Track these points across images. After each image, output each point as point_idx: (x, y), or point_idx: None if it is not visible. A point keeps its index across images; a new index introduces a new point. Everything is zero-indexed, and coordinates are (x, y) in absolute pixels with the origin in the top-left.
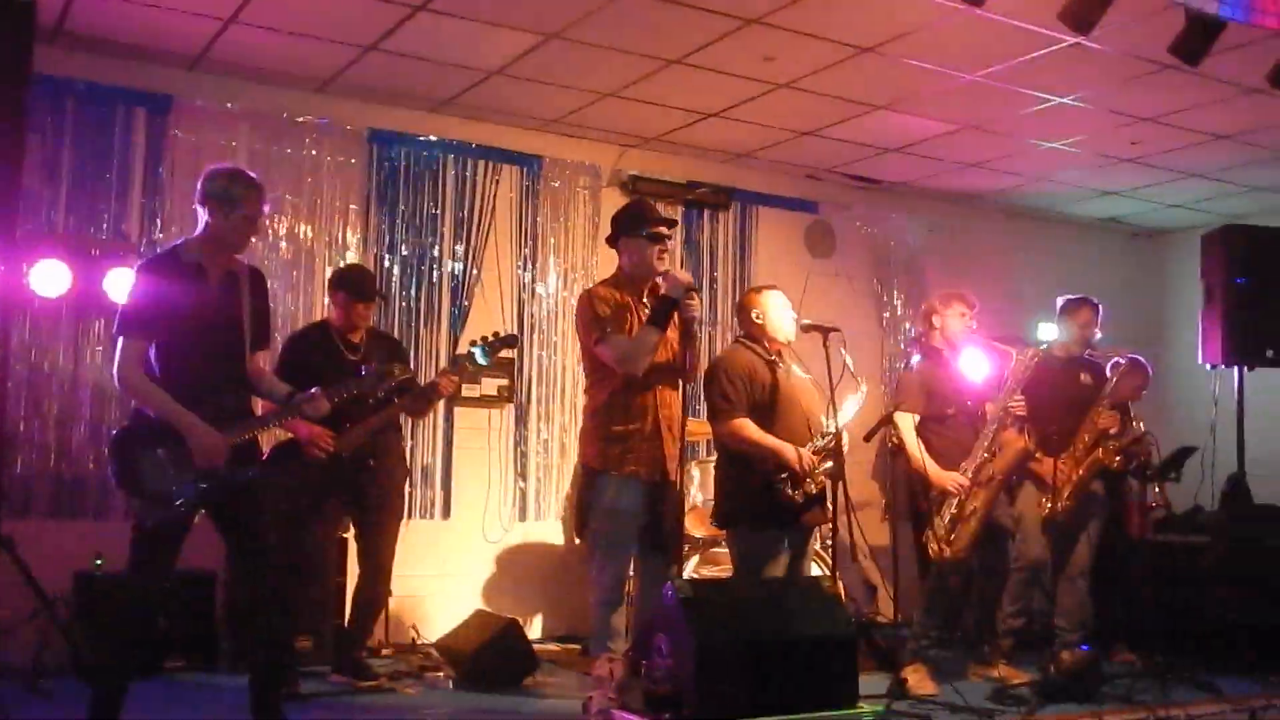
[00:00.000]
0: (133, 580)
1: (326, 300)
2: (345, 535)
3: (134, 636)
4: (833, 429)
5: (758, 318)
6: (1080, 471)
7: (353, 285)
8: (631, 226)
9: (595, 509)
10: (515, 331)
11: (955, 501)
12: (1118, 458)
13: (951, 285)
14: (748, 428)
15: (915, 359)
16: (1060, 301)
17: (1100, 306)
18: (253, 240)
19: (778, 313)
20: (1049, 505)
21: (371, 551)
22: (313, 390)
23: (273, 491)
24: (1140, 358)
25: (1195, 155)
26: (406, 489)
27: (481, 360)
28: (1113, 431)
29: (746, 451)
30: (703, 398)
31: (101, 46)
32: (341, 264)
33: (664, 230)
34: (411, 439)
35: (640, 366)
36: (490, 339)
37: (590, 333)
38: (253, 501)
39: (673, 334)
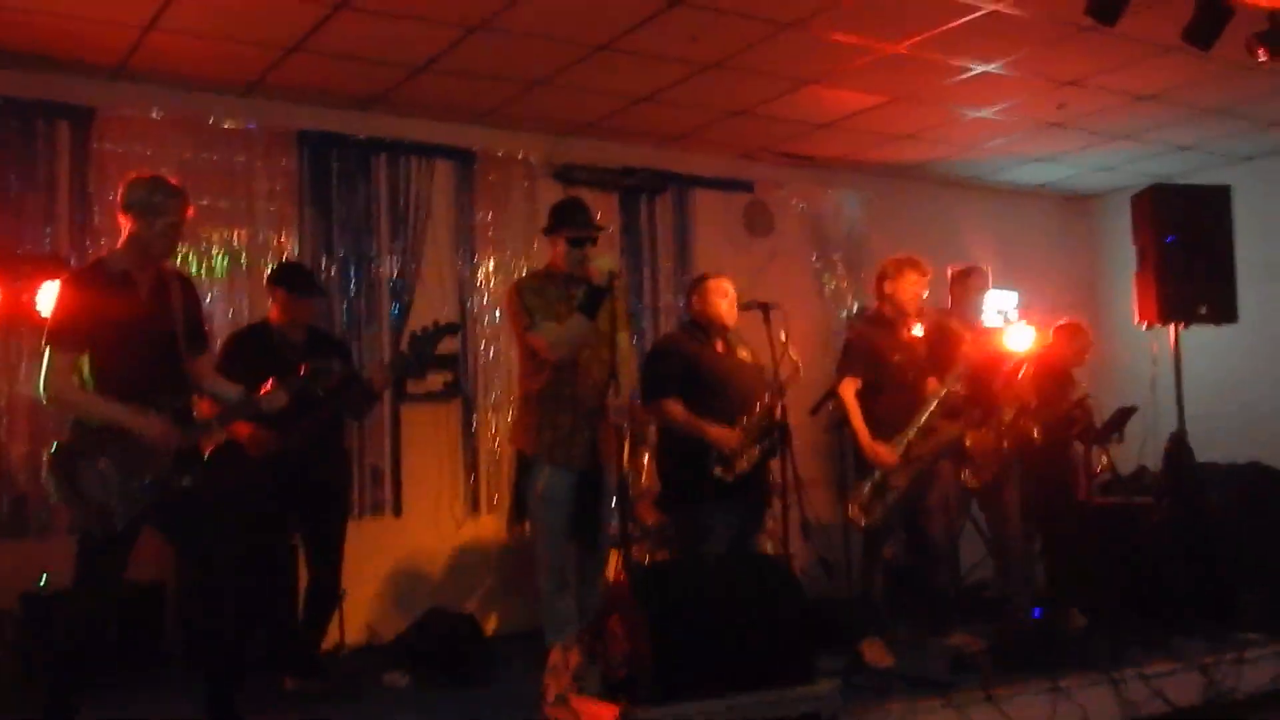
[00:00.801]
0: (80, 594)
1: (269, 301)
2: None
3: (82, 651)
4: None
5: (697, 304)
6: (1004, 444)
7: (290, 281)
8: (556, 225)
9: (530, 496)
10: (455, 321)
11: (880, 472)
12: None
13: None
14: (674, 407)
15: (860, 324)
16: (956, 270)
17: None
18: (181, 247)
19: (716, 298)
20: (971, 477)
21: (320, 551)
22: (268, 383)
23: (218, 495)
24: (1079, 321)
25: (1120, 117)
26: (355, 488)
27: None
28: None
29: (676, 431)
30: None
31: (19, 60)
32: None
33: (581, 234)
34: (360, 439)
35: (568, 352)
36: (429, 328)
37: (519, 321)
38: (197, 507)
39: (607, 325)
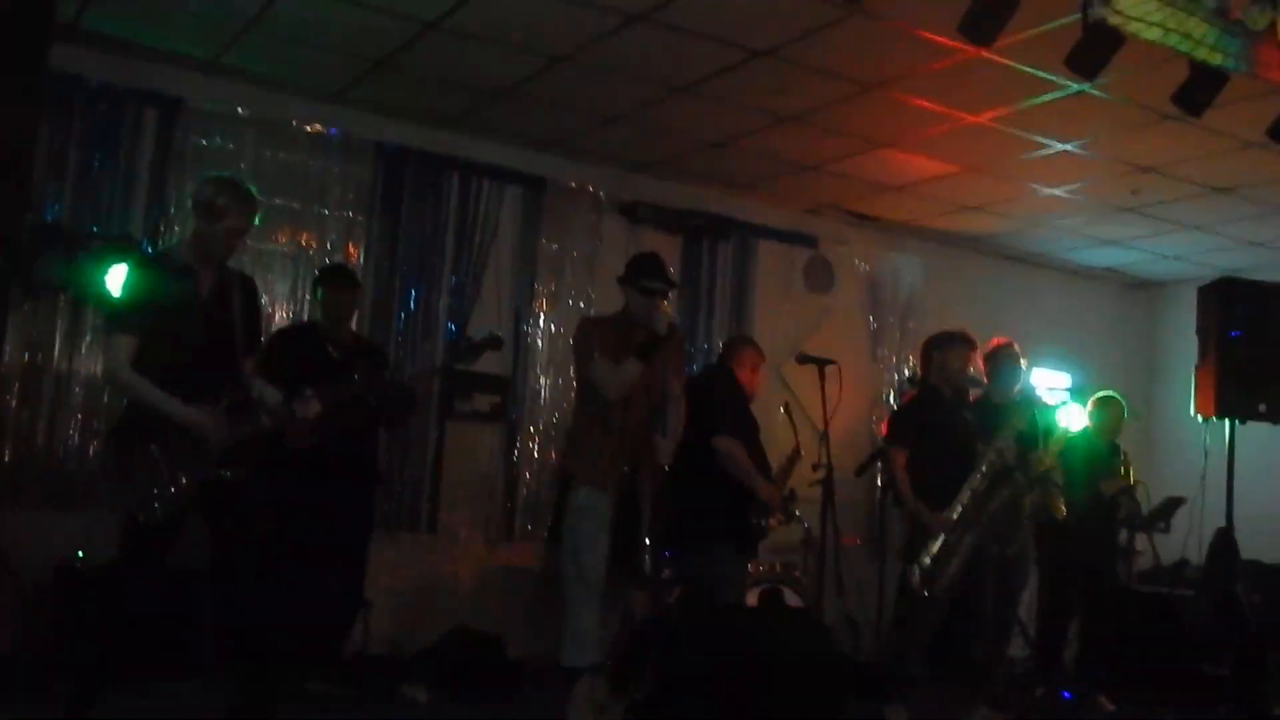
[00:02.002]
0: (122, 577)
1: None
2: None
3: (116, 636)
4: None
5: (735, 367)
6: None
7: (327, 277)
8: (634, 276)
9: (567, 513)
10: (500, 335)
11: (941, 540)
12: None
13: (946, 326)
14: (738, 449)
15: (908, 395)
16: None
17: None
18: (253, 246)
19: (749, 368)
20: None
21: (344, 557)
22: (307, 392)
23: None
24: (1112, 394)
25: (1194, 207)
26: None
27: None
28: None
29: (727, 471)
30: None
31: (115, 46)
32: None
33: (658, 287)
34: (403, 451)
35: (620, 393)
36: (474, 339)
37: (580, 356)
38: (240, 498)
39: (655, 370)
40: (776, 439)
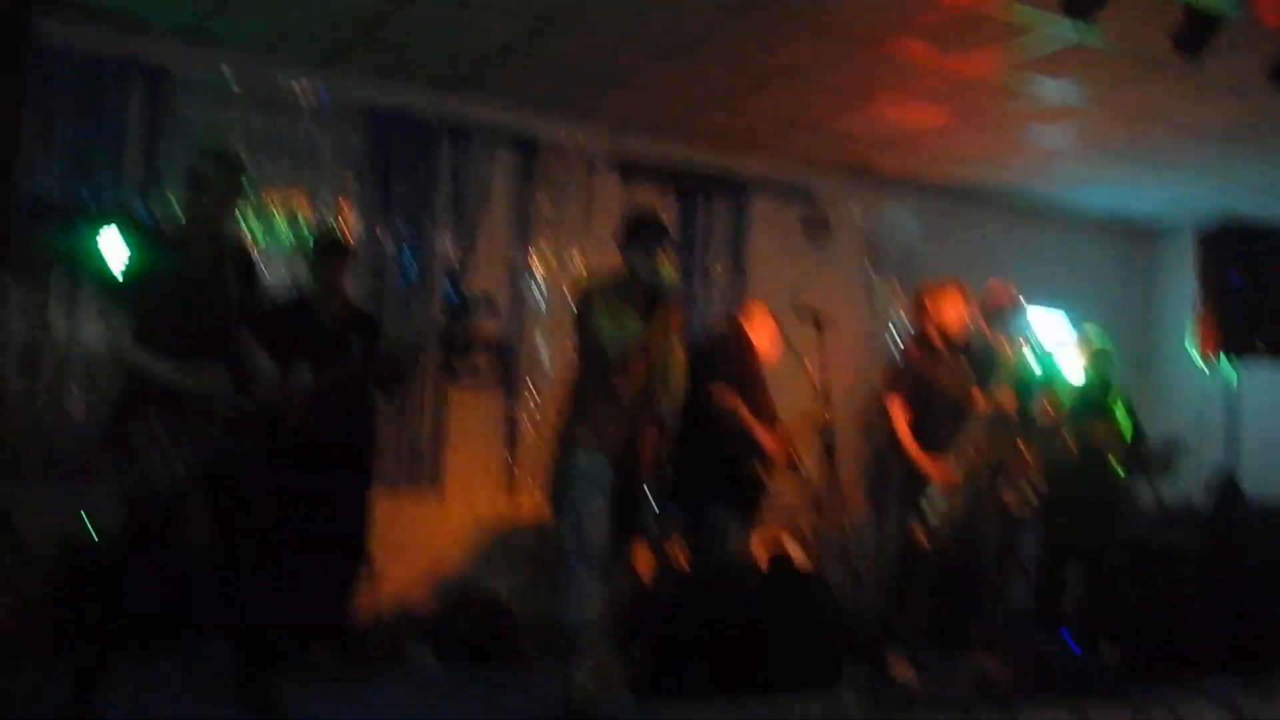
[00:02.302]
0: (126, 550)
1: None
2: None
3: (122, 608)
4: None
5: (744, 319)
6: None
7: (320, 243)
8: (635, 238)
9: (568, 478)
10: (491, 295)
11: (938, 491)
12: None
13: (945, 277)
14: (732, 396)
15: (905, 347)
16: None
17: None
18: (247, 214)
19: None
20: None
21: (344, 521)
22: (300, 369)
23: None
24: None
25: (1190, 152)
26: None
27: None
28: None
29: (724, 420)
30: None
31: (98, 16)
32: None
33: (661, 243)
34: (402, 415)
35: (622, 352)
36: (465, 301)
37: (581, 319)
38: (245, 474)
39: (655, 331)
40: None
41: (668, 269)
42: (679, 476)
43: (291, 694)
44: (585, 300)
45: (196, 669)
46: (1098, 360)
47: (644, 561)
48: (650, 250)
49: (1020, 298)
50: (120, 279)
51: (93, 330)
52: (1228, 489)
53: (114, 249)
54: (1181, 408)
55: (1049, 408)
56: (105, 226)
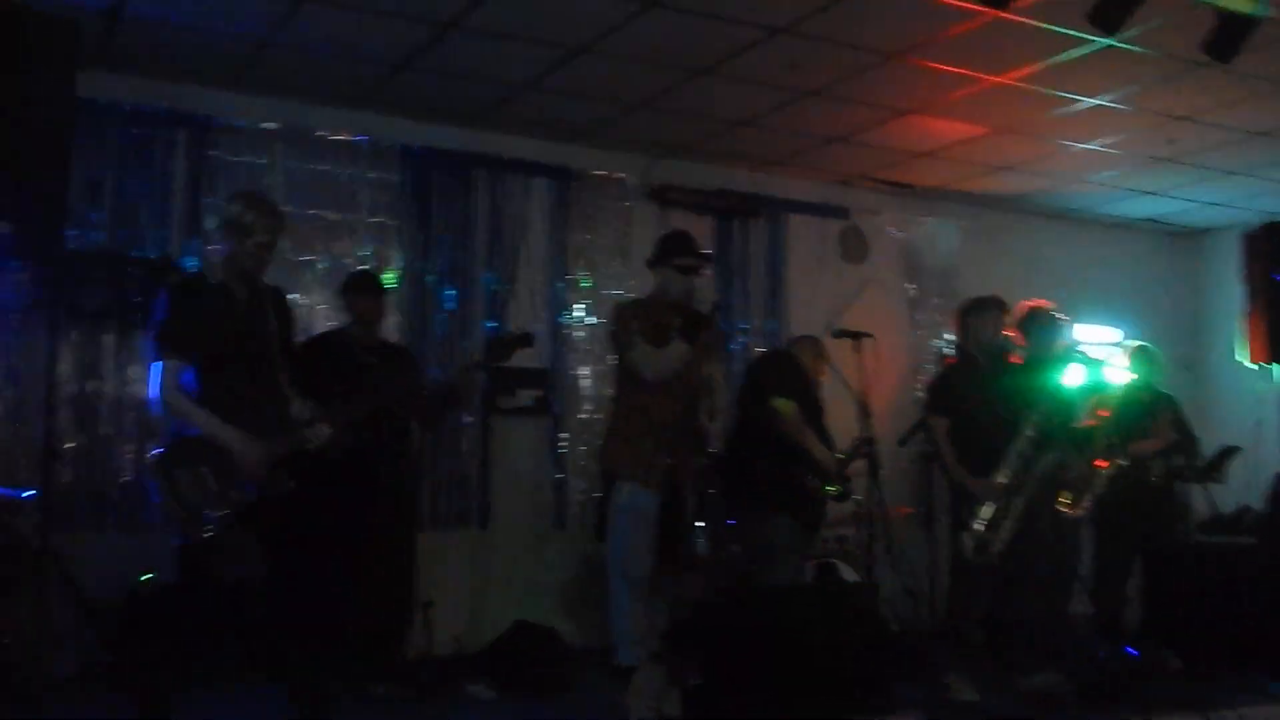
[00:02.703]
0: (182, 594)
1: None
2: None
3: (179, 654)
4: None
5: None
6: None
7: (355, 283)
8: (666, 256)
9: (612, 510)
10: (530, 332)
11: (990, 507)
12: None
13: (986, 290)
14: (792, 409)
15: (948, 363)
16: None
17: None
18: (283, 257)
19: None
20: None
21: (389, 560)
22: (317, 421)
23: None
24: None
25: (1233, 153)
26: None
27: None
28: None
29: (786, 434)
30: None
31: (144, 69)
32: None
33: (693, 263)
34: (451, 450)
35: (664, 375)
36: (503, 337)
37: (619, 341)
38: (290, 511)
39: (696, 353)
40: (852, 429)
41: (707, 287)
42: (737, 492)
43: None
44: (620, 322)
45: (256, 713)
46: (1143, 366)
47: (694, 583)
48: (684, 269)
49: (1057, 311)
50: (168, 328)
51: (143, 382)
52: None
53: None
54: (1234, 412)
55: (1097, 418)
56: (153, 275)
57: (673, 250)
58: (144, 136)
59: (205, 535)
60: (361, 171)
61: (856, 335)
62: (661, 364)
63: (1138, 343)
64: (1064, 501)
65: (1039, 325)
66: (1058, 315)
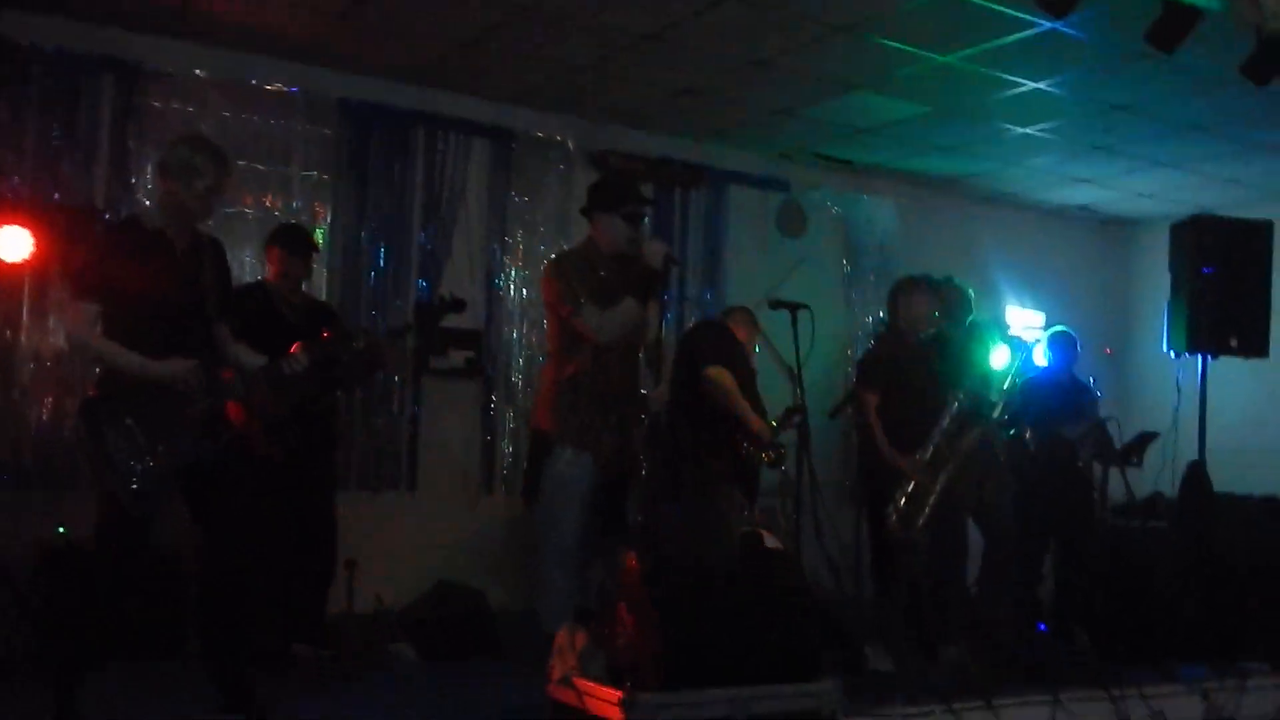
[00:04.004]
0: (102, 557)
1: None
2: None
3: (101, 616)
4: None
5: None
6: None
7: (285, 239)
8: (609, 202)
9: (547, 477)
10: (462, 298)
11: (912, 483)
12: None
13: (920, 269)
14: (727, 377)
15: (879, 340)
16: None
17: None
18: (217, 210)
19: (749, 337)
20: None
21: (309, 521)
22: (293, 352)
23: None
24: None
25: (1168, 145)
26: (373, 461)
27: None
28: None
29: (720, 402)
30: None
31: (70, 10)
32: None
33: (641, 211)
34: (380, 410)
35: (616, 337)
36: (435, 301)
37: (564, 302)
38: (223, 473)
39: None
40: (779, 398)
41: (655, 240)
42: (673, 460)
43: (274, 695)
44: (562, 278)
45: (179, 677)
46: (1061, 351)
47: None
48: (629, 216)
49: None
50: (86, 271)
51: (61, 331)
52: (1196, 480)
53: (86, 243)
54: (1155, 400)
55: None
56: (76, 223)
57: (617, 196)
58: (68, 81)
59: (131, 488)
60: (297, 124)
61: (793, 306)
62: (613, 325)
63: (1058, 328)
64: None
65: (951, 303)
66: (966, 291)
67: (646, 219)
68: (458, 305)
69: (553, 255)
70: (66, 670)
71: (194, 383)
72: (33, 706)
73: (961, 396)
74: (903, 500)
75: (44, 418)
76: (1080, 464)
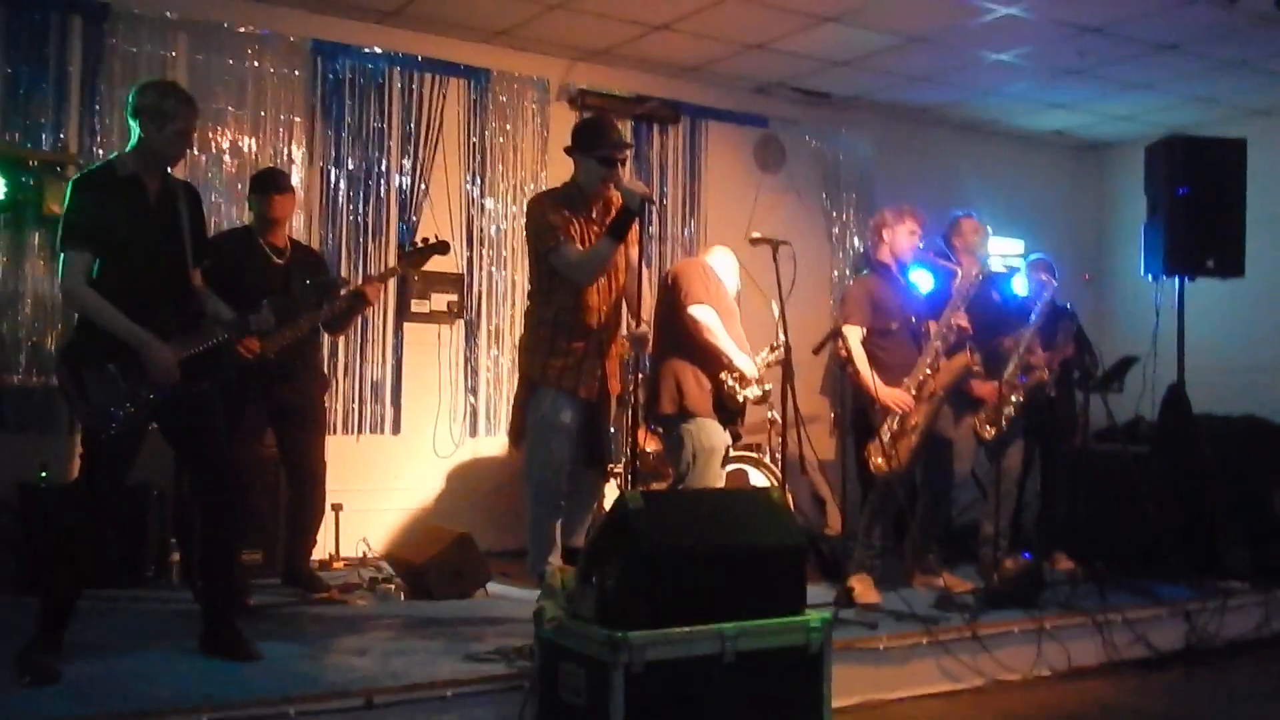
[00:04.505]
0: (83, 492)
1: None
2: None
3: (83, 549)
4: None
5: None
6: (1016, 398)
7: (264, 179)
8: (587, 145)
9: (531, 420)
10: (447, 240)
11: (898, 416)
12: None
13: (900, 200)
14: (713, 317)
15: (863, 272)
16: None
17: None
18: (192, 153)
19: (727, 274)
20: (987, 427)
21: (297, 463)
22: (262, 306)
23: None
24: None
25: (1140, 66)
26: (357, 404)
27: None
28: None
29: (705, 340)
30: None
31: None
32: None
33: (616, 155)
34: (361, 355)
35: (594, 278)
36: (419, 244)
37: (543, 241)
38: (205, 414)
39: (625, 249)
40: (763, 335)
41: (632, 179)
42: (658, 397)
43: (259, 636)
44: (541, 218)
45: (160, 614)
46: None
47: (614, 490)
48: (607, 158)
49: (987, 229)
50: (74, 220)
51: (42, 278)
52: (1176, 402)
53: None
54: (1134, 324)
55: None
56: (50, 168)
57: (593, 140)
58: (35, 22)
59: (111, 432)
60: (268, 66)
61: (774, 243)
62: (592, 265)
63: (1037, 255)
64: (980, 422)
65: (969, 245)
66: (987, 233)
67: (624, 161)
68: (442, 247)
69: (539, 194)
70: (50, 607)
71: (165, 381)
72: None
73: (945, 329)
74: (887, 434)
75: (23, 364)
76: (1050, 393)
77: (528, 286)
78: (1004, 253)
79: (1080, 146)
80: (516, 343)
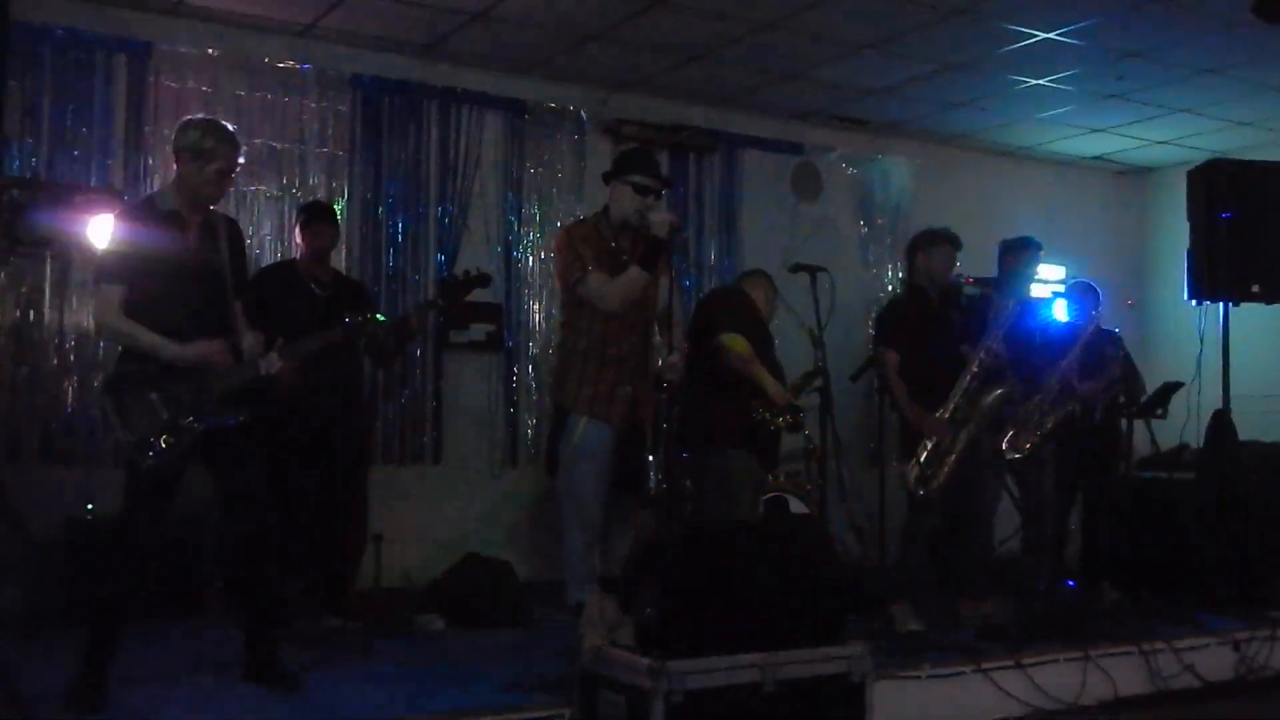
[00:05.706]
0: (128, 524)
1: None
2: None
3: (128, 581)
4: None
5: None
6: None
7: (307, 211)
8: (625, 169)
9: (564, 449)
10: (488, 272)
11: (932, 441)
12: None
13: (937, 225)
14: (743, 344)
15: (898, 298)
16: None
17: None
18: (234, 188)
19: (766, 302)
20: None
21: (340, 494)
22: (276, 347)
23: (259, 436)
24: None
25: (1182, 91)
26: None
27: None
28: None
29: (736, 369)
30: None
31: None
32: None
33: (651, 185)
34: (402, 385)
35: (622, 306)
36: (460, 276)
37: (571, 270)
38: (243, 445)
39: (655, 278)
40: (800, 363)
41: (662, 209)
42: (691, 426)
43: (301, 666)
44: (571, 247)
45: (205, 644)
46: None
47: (648, 518)
48: (642, 186)
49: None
50: (110, 254)
51: (84, 311)
52: (1222, 429)
53: (104, 226)
54: (1177, 350)
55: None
56: (95, 204)
57: (632, 166)
58: (81, 62)
59: (150, 462)
60: (309, 101)
61: (812, 270)
62: (618, 294)
63: (1079, 280)
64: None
65: (1015, 270)
66: (1035, 257)
67: (660, 194)
68: (483, 280)
69: (570, 222)
70: (96, 640)
71: (222, 361)
72: (62, 666)
73: (984, 354)
74: (923, 458)
75: (71, 397)
76: (1097, 419)
77: (560, 317)
78: (1046, 278)
79: (1121, 171)
80: (553, 371)
